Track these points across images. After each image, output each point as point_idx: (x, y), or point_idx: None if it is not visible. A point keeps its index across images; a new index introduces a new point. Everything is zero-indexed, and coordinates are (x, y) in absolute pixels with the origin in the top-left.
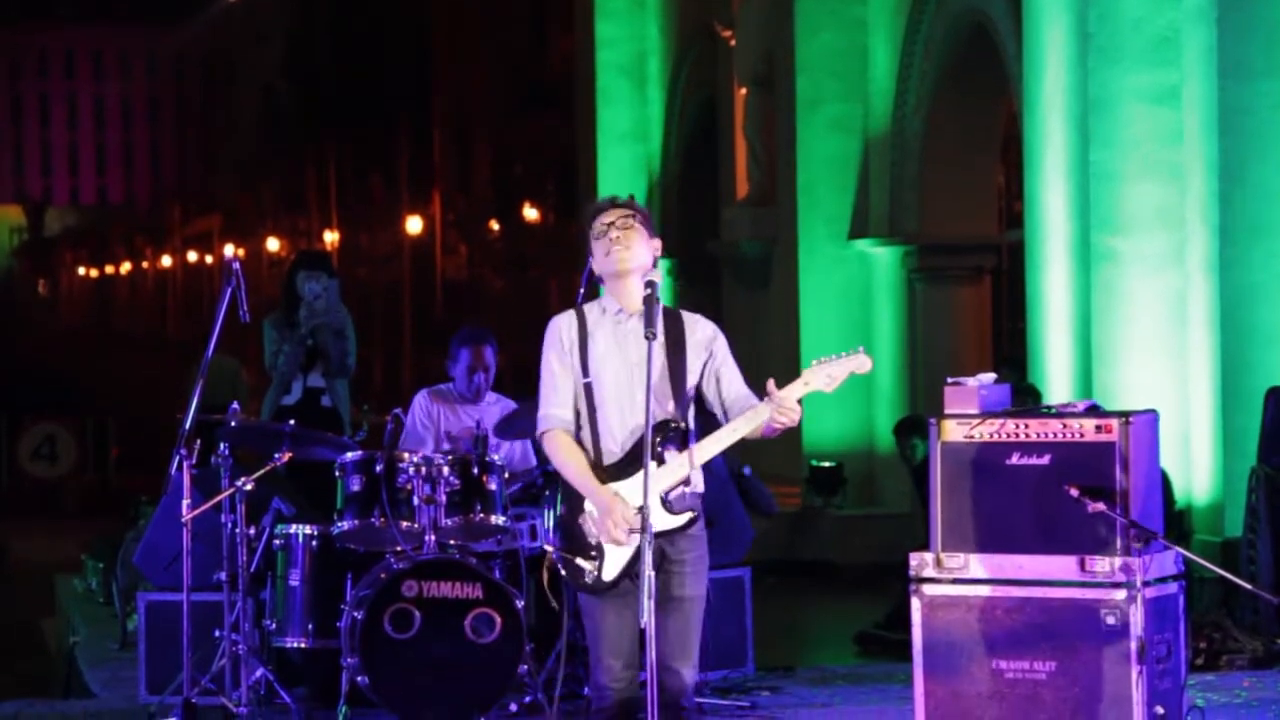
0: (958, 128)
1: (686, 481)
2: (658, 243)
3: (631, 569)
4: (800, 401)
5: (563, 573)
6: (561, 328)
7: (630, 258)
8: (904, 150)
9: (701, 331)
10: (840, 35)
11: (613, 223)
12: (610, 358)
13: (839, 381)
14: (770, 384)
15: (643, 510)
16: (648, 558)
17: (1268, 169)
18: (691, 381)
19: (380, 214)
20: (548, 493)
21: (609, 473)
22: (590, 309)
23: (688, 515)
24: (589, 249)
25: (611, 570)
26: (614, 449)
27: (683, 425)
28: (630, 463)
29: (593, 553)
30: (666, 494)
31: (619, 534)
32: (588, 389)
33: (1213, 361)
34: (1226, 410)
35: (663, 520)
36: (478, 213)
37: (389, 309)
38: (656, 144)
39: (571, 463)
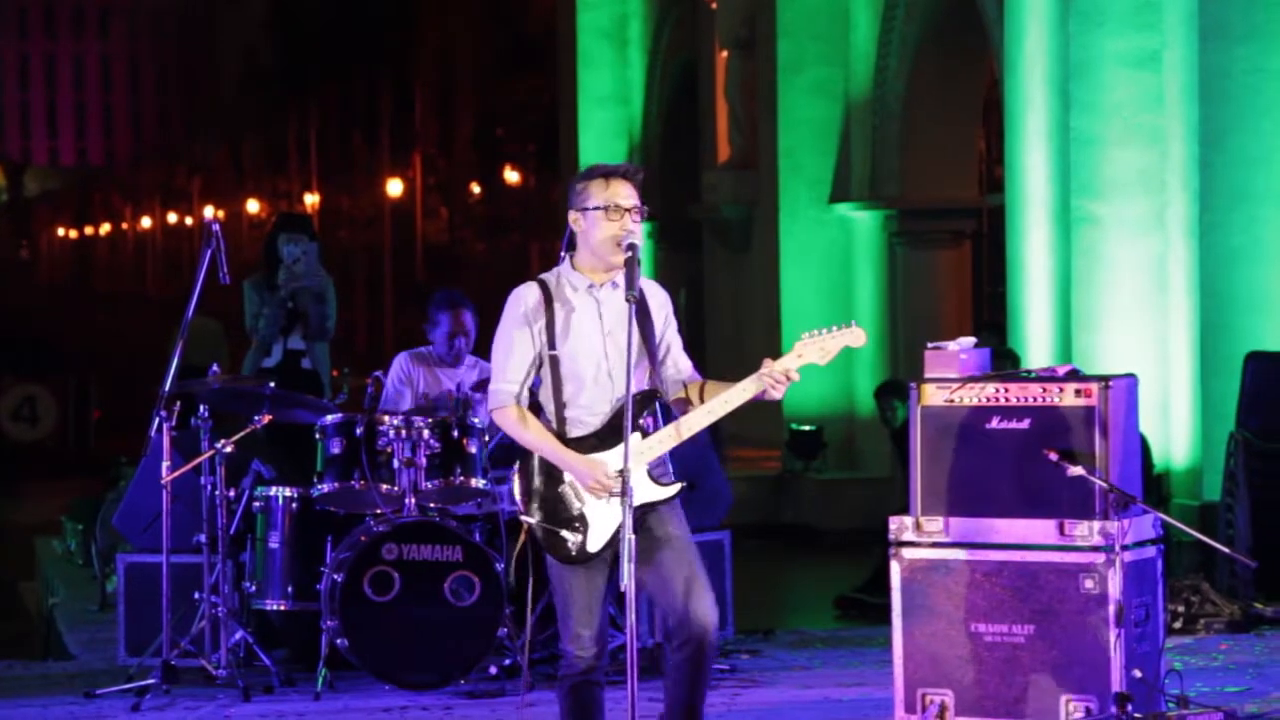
0: (939, 92)
1: None
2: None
3: (616, 537)
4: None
5: (542, 543)
6: (525, 299)
7: (634, 239)
8: (885, 114)
9: (660, 294)
10: None
11: (630, 210)
12: (582, 328)
13: (832, 355)
14: (766, 360)
15: (623, 474)
16: (628, 521)
17: (1247, 134)
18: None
19: (361, 176)
20: (517, 463)
21: (586, 444)
22: (551, 279)
23: (676, 486)
24: (579, 206)
25: (597, 540)
26: (589, 420)
27: (663, 396)
28: (611, 433)
29: (576, 524)
30: (651, 465)
31: (607, 488)
32: (554, 361)
33: (1192, 326)
34: (1206, 375)
35: (651, 492)
36: (459, 175)
37: (370, 271)
38: (637, 107)
39: (532, 434)
